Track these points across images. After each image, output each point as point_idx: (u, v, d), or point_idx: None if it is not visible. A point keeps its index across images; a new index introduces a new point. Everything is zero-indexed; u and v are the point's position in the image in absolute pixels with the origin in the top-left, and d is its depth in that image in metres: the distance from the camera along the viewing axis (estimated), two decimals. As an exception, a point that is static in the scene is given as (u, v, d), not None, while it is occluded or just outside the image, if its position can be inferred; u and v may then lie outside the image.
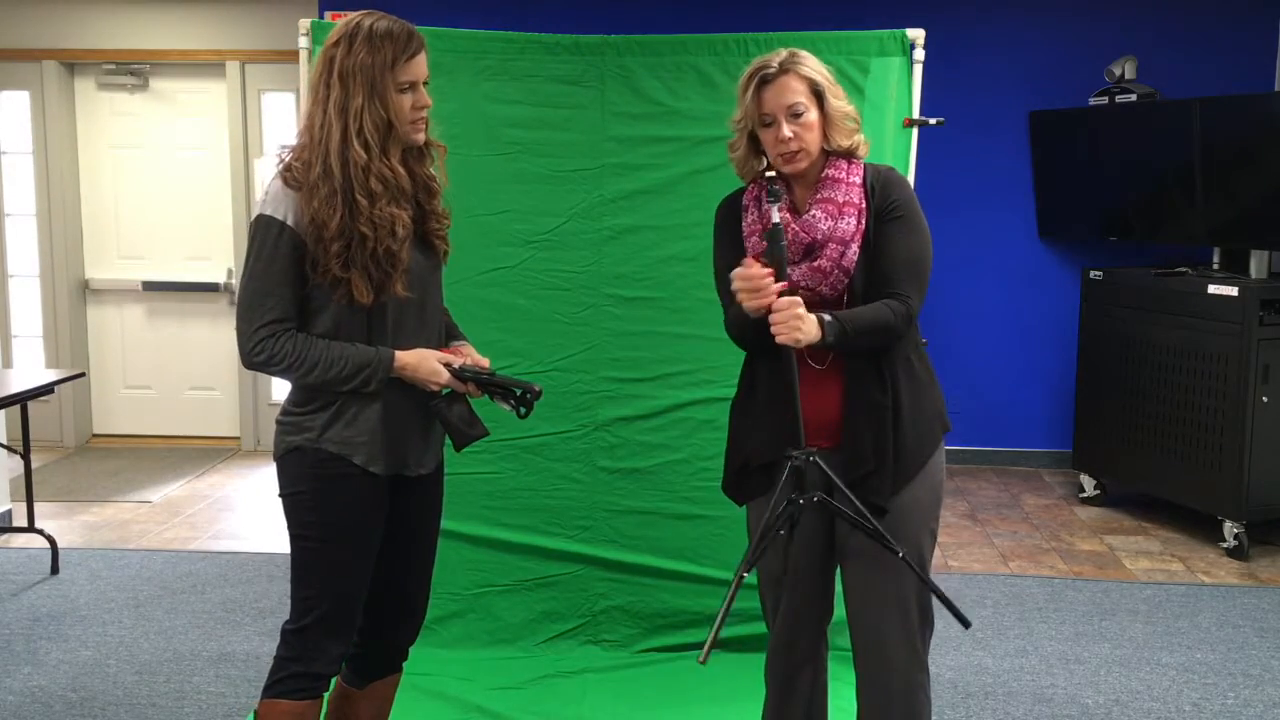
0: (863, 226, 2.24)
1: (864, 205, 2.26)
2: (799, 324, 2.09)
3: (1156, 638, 3.82)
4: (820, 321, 2.12)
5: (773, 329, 2.11)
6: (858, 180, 2.27)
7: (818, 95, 2.24)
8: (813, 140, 2.24)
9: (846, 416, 2.26)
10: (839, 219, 2.24)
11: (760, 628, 2.22)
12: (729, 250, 2.32)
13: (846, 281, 2.25)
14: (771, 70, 2.24)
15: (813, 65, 2.26)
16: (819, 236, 2.24)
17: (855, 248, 2.24)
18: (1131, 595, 4.21)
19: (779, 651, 2.42)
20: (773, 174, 2.25)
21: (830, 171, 2.28)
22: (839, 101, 2.27)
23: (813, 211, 2.25)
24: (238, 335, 2.16)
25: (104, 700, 3.29)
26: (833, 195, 2.26)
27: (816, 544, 2.35)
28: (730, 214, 2.38)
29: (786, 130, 2.22)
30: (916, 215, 2.27)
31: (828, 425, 2.27)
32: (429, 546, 2.45)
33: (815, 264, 2.24)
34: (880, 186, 2.28)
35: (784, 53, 2.27)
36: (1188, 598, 4.18)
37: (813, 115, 2.23)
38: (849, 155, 2.29)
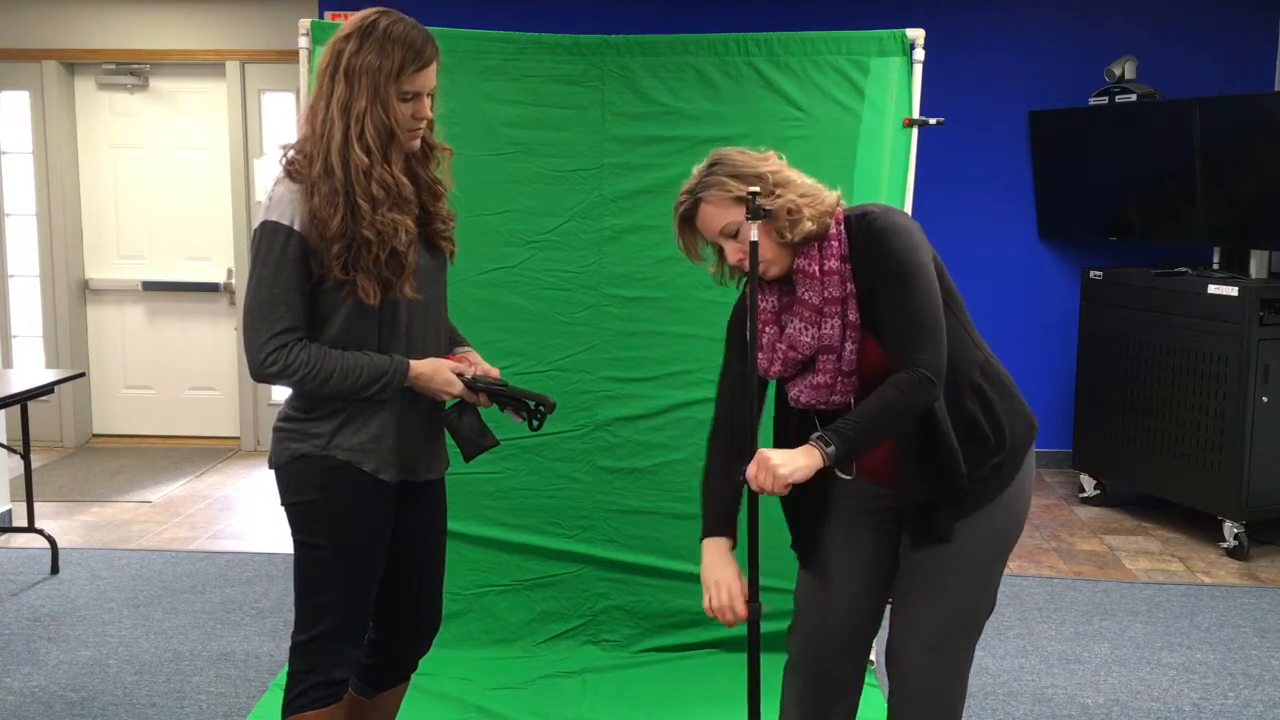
0: (855, 319, 2.05)
1: (849, 288, 2.05)
2: (781, 475, 1.93)
3: (1156, 638, 3.82)
4: (817, 447, 1.95)
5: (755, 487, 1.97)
6: (835, 263, 2.05)
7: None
8: (767, 248, 2.04)
9: (899, 460, 2.10)
10: (820, 324, 2.05)
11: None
12: (734, 359, 2.21)
13: (857, 382, 2.08)
14: (685, 205, 2.09)
15: (728, 176, 2.04)
16: (807, 352, 2.08)
17: (851, 347, 2.06)
18: (1131, 595, 4.21)
19: (815, 670, 2.27)
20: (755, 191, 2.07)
21: (801, 263, 2.07)
22: (780, 197, 2.03)
23: (794, 324, 2.08)
24: (246, 348, 2.07)
25: (104, 700, 3.28)
26: (808, 296, 2.06)
27: (878, 563, 2.24)
28: (739, 323, 2.22)
29: (732, 254, 2.07)
30: (910, 266, 2.00)
31: (883, 465, 2.15)
32: (439, 552, 2.41)
33: (814, 381, 2.09)
34: (863, 250, 2.04)
35: (695, 175, 2.08)
36: (1188, 598, 4.18)
37: (750, 227, 2.02)
38: (819, 237, 2.06)
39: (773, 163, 2.10)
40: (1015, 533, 2.19)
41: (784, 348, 2.10)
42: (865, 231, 2.05)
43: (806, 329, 2.07)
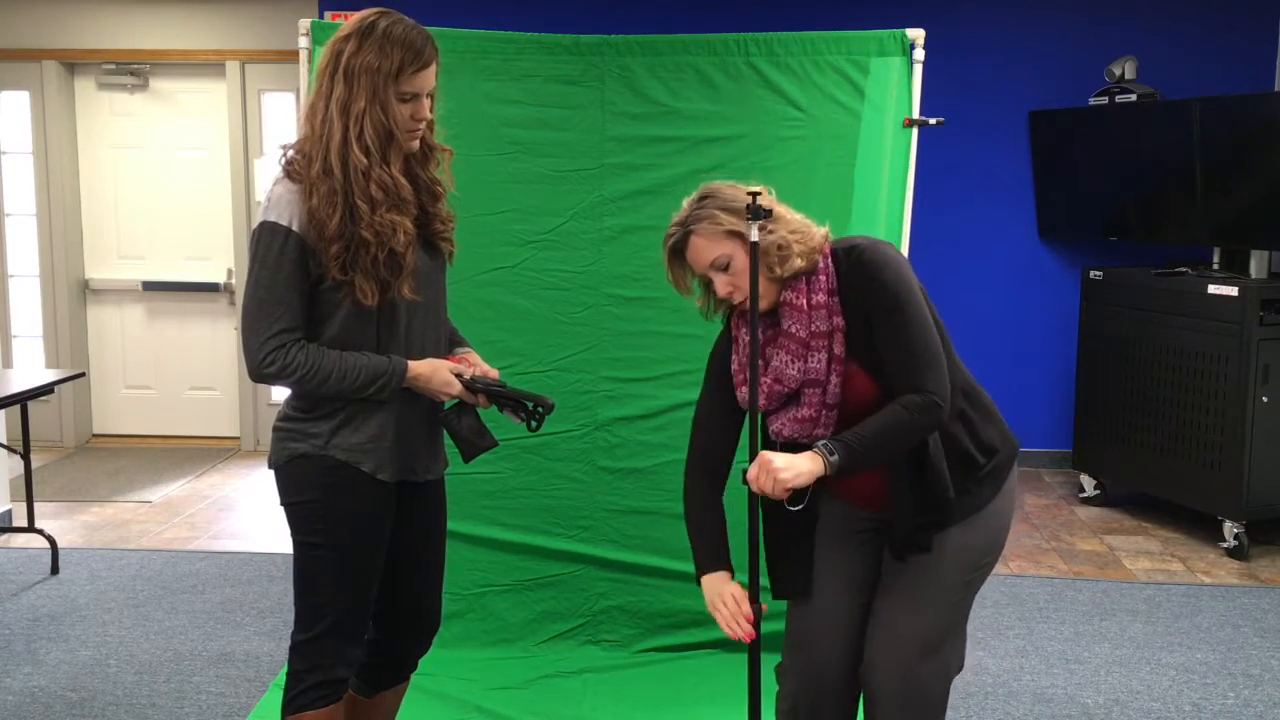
0: (840, 353, 2.05)
1: (835, 322, 2.05)
2: (782, 479, 1.93)
3: (1156, 638, 3.82)
4: (821, 454, 1.96)
5: (753, 486, 1.99)
6: (822, 297, 2.05)
7: (742, 235, 2.04)
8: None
9: (893, 489, 2.11)
10: (807, 358, 2.05)
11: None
12: (715, 391, 2.22)
13: (837, 415, 2.08)
14: (675, 238, 2.10)
15: (719, 210, 2.05)
16: (792, 385, 2.07)
17: (836, 380, 2.06)
18: (1131, 595, 4.21)
19: (816, 709, 2.23)
20: (756, 190, 2.05)
21: (788, 297, 2.07)
22: (771, 233, 2.04)
23: (779, 357, 2.08)
24: (244, 347, 2.09)
25: (104, 700, 3.29)
26: (795, 330, 2.06)
27: (868, 584, 2.22)
28: (721, 354, 2.23)
29: (721, 287, 2.08)
30: (904, 295, 2.02)
31: (876, 493, 2.16)
32: (439, 551, 2.41)
33: (798, 414, 2.08)
34: (853, 283, 2.04)
35: (686, 208, 2.10)
36: (1188, 598, 4.18)
37: (741, 260, 2.04)
38: (807, 272, 2.07)
39: (764, 197, 2.09)
40: (993, 553, 2.20)
41: (769, 380, 2.10)
42: (854, 265, 2.06)
43: (793, 362, 2.07)
